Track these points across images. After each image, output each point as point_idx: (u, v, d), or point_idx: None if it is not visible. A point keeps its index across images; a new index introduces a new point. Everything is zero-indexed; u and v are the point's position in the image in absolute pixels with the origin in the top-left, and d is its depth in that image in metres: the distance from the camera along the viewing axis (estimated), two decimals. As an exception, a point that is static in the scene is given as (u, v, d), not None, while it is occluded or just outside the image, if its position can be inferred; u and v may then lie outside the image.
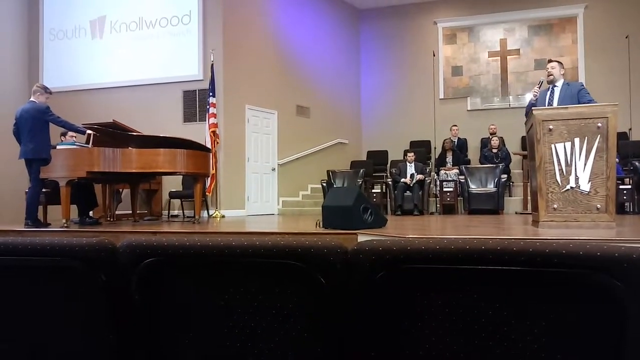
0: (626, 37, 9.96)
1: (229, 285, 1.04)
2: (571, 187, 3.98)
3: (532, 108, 4.33)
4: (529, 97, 4.88)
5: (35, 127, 5.51)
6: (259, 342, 1.03)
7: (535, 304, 0.87)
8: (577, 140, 3.97)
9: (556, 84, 4.71)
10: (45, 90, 5.78)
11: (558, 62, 4.88)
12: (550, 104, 4.62)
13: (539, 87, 4.80)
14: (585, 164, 3.94)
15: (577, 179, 3.96)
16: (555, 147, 4.03)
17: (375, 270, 0.92)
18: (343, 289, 0.96)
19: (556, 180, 4.02)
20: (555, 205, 4.02)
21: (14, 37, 9.58)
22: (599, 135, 3.91)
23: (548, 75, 4.76)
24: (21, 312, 1.19)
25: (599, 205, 3.91)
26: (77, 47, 9.57)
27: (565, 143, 4.00)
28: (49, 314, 1.17)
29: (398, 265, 0.90)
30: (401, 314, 0.95)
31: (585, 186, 3.94)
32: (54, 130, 6.07)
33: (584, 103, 4.34)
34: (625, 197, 7.59)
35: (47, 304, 1.17)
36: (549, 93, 4.76)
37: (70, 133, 6.51)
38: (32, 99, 5.70)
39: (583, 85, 4.70)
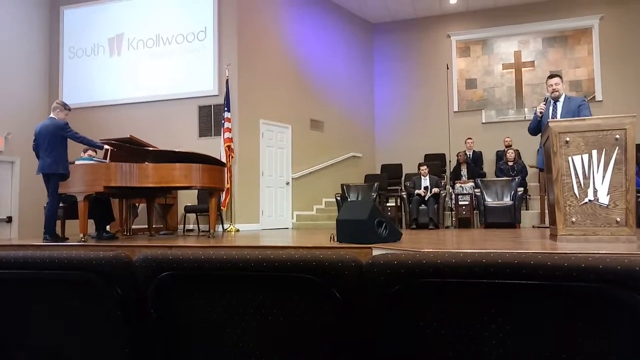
0: (643, 48, 9.85)
1: (244, 299, 1.04)
2: (589, 200, 3.91)
3: (549, 121, 4.29)
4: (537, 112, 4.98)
5: (53, 143, 5.61)
6: (274, 356, 1.03)
7: (554, 319, 0.85)
8: (594, 153, 3.91)
9: (559, 99, 4.87)
10: (65, 106, 5.90)
11: (559, 76, 5.01)
12: (553, 118, 4.69)
13: (545, 104, 4.88)
14: (603, 177, 3.87)
15: (595, 191, 3.89)
16: (572, 159, 3.97)
17: (390, 284, 0.91)
18: (358, 303, 0.95)
19: (574, 193, 3.96)
20: (573, 219, 3.95)
21: (36, 55, 9.84)
22: (617, 147, 3.85)
23: (553, 92, 4.88)
24: (38, 325, 1.20)
25: (618, 219, 3.83)
26: (96, 64, 9.79)
27: (583, 155, 3.94)
28: (65, 326, 1.18)
29: (413, 279, 0.89)
30: (417, 328, 0.94)
31: (604, 199, 3.87)
32: (76, 145, 6.18)
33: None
34: (645, 210, 7.42)
35: (64, 316, 1.18)
36: (551, 108, 4.88)
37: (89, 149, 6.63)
38: (51, 115, 5.82)
39: (584, 100, 4.82)
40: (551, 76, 5.02)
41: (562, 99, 4.85)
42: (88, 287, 1.10)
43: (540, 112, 4.88)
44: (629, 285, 0.79)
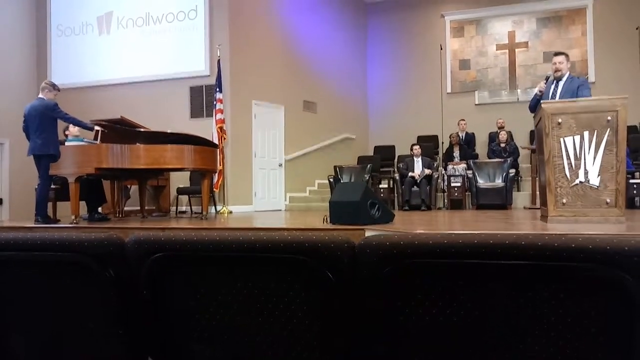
0: (636, 29, 9.85)
1: (237, 280, 1.04)
2: (580, 182, 3.94)
3: (542, 101, 4.29)
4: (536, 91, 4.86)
5: (43, 124, 5.55)
6: (267, 336, 1.04)
7: (544, 298, 0.87)
8: (586, 134, 3.93)
9: (561, 78, 4.69)
10: (54, 87, 5.81)
11: (564, 54, 4.80)
12: (553, 97, 4.60)
13: (546, 83, 4.75)
14: (594, 158, 3.90)
15: (586, 173, 3.92)
16: (564, 140, 3.99)
17: (383, 264, 0.91)
18: (350, 284, 0.96)
19: (565, 174, 3.99)
20: (564, 200, 3.99)
21: (23, 34, 9.65)
22: (609, 129, 3.86)
23: (555, 71, 4.70)
24: (31, 307, 1.20)
25: (608, 200, 3.87)
26: (85, 43, 9.62)
27: (575, 137, 3.96)
28: (58, 308, 1.18)
29: (405, 259, 0.90)
30: (408, 308, 0.95)
31: (594, 180, 3.90)
32: (63, 126, 6.11)
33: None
34: (635, 192, 7.52)
35: (57, 298, 1.18)
36: (553, 86, 4.74)
37: (70, 126, 6.55)
38: (40, 95, 5.74)
39: (586, 81, 4.66)
40: (556, 54, 4.84)
41: (564, 79, 4.66)
42: (80, 269, 1.10)
43: (540, 91, 4.75)
44: (618, 265, 0.80)
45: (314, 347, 1.02)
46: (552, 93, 4.69)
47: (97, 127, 6.07)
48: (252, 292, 1.03)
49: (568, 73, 4.73)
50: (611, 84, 9.73)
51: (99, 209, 6.54)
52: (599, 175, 3.89)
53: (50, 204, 6.35)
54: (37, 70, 9.79)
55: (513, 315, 0.89)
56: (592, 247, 0.80)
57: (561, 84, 4.68)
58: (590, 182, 3.91)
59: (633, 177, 7.56)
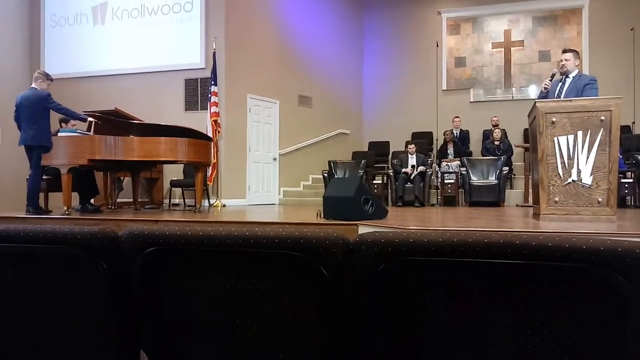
0: (631, 30, 9.88)
1: (230, 275, 1.04)
2: (573, 180, 3.97)
3: (536, 100, 4.30)
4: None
5: (35, 114, 5.50)
6: (261, 332, 1.03)
7: (537, 298, 0.87)
8: (580, 133, 3.95)
9: (569, 75, 4.58)
10: (47, 77, 5.76)
11: (574, 51, 4.69)
12: (558, 96, 4.54)
13: (551, 80, 4.67)
14: (587, 157, 3.93)
15: (579, 172, 3.95)
16: (558, 139, 4.01)
17: (377, 262, 0.91)
18: (345, 281, 0.96)
19: (558, 173, 4.01)
20: (556, 198, 4.01)
21: (15, 23, 9.53)
22: (602, 129, 3.89)
23: (561, 67, 4.60)
24: (22, 300, 1.19)
25: (600, 199, 3.90)
26: (79, 33, 9.53)
27: (568, 136, 3.98)
28: (49, 302, 1.18)
29: (400, 257, 0.90)
30: (403, 306, 0.95)
31: (587, 179, 3.93)
32: (53, 117, 6.06)
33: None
34: (626, 191, 7.58)
35: (48, 291, 1.17)
36: (560, 84, 4.63)
37: (71, 120, 6.51)
38: (33, 85, 5.68)
39: (593, 80, 4.49)
40: (565, 51, 4.71)
41: (571, 76, 4.55)
42: (73, 261, 1.10)
43: (545, 88, 4.67)
44: (611, 266, 0.80)
45: (308, 344, 1.02)
46: (558, 91, 4.59)
47: (90, 119, 6.03)
48: (246, 287, 1.03)
49: (576, 71, 4.60)
50: (605, 84, 9.72)
51: (92, 201, 6.50)
52: (591, 175, 3.92)
53: (42, 195, 6.30)
54: (29, 60, 9.69)
55: (506, 313, 0.89)
56: (585, 247, 0.81)
57: (568, 81, 4.57)
58: (583, 181, 3.94)
59: (625, 177, 7.62)
